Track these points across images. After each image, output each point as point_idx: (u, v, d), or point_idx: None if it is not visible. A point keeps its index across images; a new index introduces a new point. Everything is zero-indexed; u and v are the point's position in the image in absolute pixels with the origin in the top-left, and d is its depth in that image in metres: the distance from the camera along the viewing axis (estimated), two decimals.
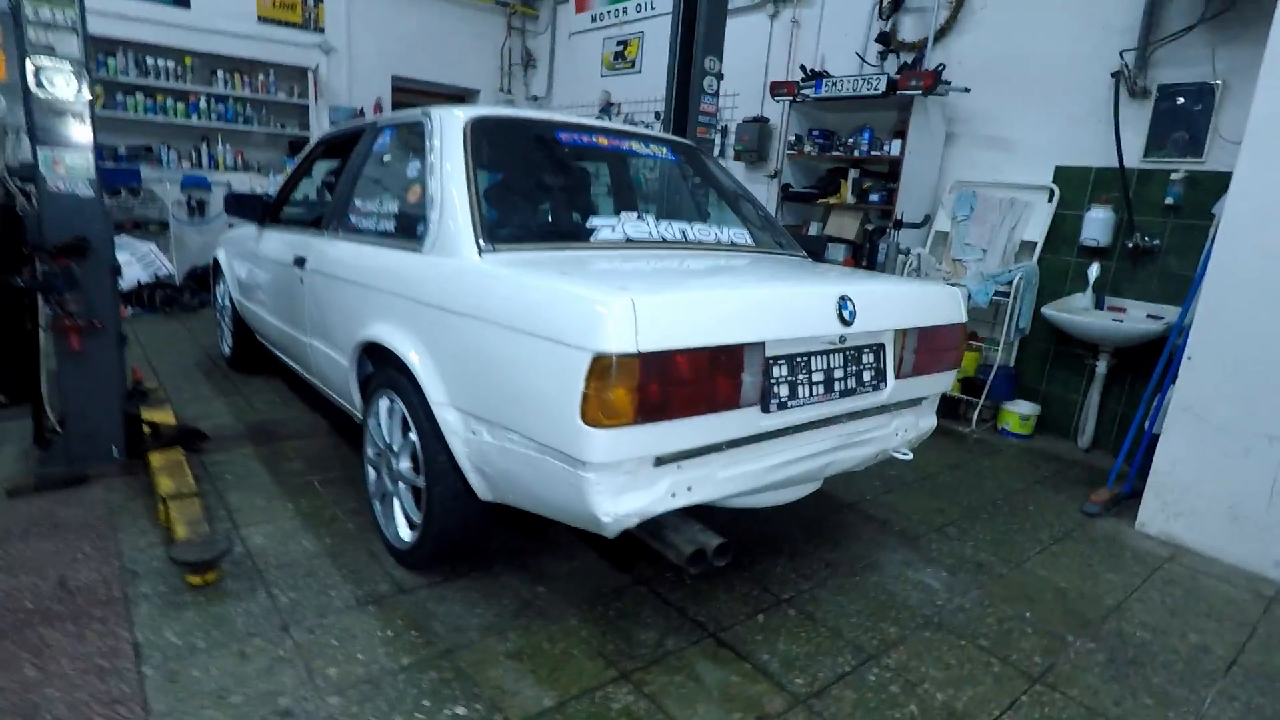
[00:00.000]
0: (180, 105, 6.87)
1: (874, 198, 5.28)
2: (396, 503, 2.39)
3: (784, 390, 1.94)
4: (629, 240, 2.33)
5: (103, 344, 2.89)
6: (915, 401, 2.45)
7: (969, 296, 4.42)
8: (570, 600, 2.30)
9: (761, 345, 1.83)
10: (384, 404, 2.38)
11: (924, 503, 3.32)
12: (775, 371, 1.91)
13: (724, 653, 2.10)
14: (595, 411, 1.57)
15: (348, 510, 2.79)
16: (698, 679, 1.98)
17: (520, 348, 1.75)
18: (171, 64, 6.74)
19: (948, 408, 4.69)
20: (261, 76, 7.21)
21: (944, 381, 2.53)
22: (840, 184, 5.62)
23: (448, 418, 2.02)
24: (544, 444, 1.72)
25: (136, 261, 6.12)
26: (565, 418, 1.62)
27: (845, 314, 2.02)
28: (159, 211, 6.99)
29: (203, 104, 6.97)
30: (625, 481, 1.69)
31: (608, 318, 1.56)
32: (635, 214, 2.45)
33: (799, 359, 1.98)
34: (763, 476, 1.97)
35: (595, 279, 1.70)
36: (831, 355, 2.08)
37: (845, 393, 2.12)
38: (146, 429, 2.96)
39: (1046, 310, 4.24)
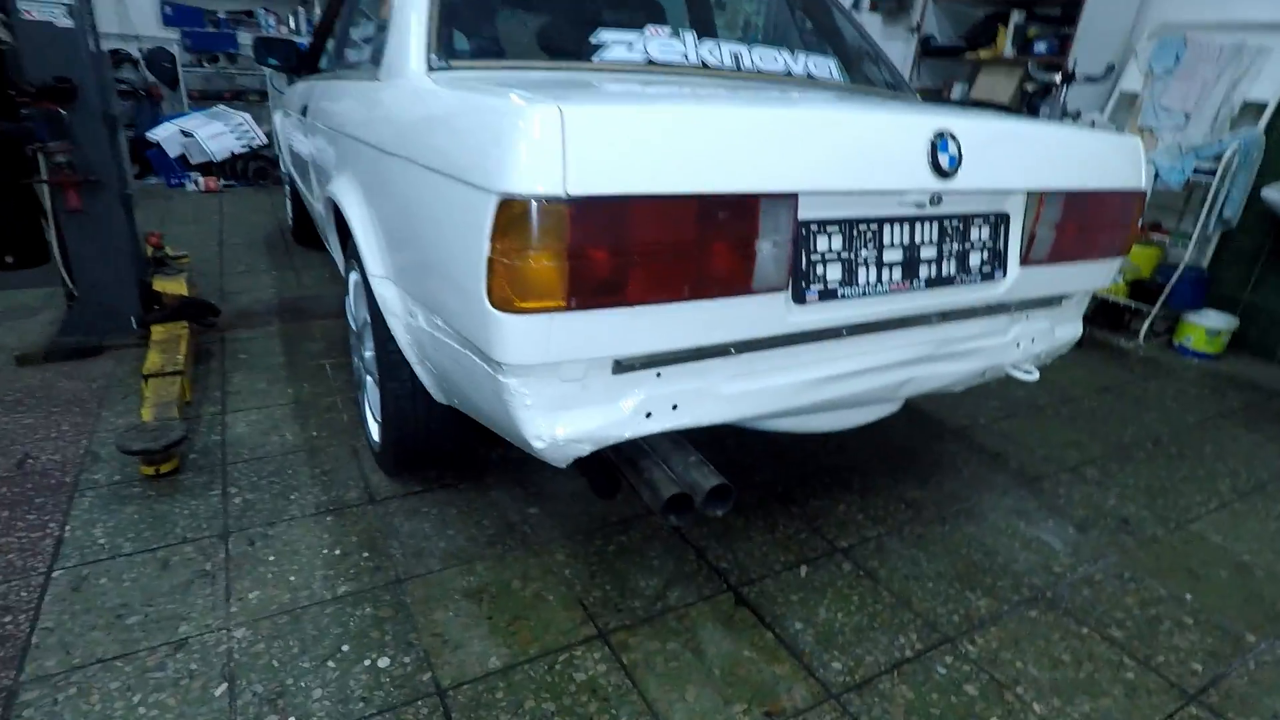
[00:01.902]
0: None
1: (1040, 48, 4.17)
2: (365, 398, 2.02)
3: (832, 272, 1.31)
4: (651, 63, 1.69)
5: (105, 203, 2.65)
6: (1051, 301, 1.72)
7: (1155, 175, 3.38)
8: (564, 528, 1.86)
9: (791, 199, 1.19)
10: (353, 277, 1.96)
11: (1057, 434, 2.58)
12: (816, 242, 1.28)
13: (742, 615, 1.61)
14: (504, 288, 1.04)
15: (348, 400, 2.47)
16: (697, 649, 1.51)
17: (432, 194, 1.23)
18: None
19: (1106, 315, 3.74)
20: None
21: (1100, 275, 1.77)
22: (997, 32, 4.48)
23: (386, 295, 1.56)
24: (462, 334, 1.22)
25: (229, 132, 6.04)
26: (472, 296, 1.10)
27: (943, 160, 1.32)
28: (259, 80, 6.88)
29: None
30: (566, 393, 1.17)
31: (518, 140, 0.99)
32: (670, 30, 1.79)
33: (860, 226, 1.32)
34: (797, 395, 1.39)
35: (526, 90, 1.11)
36: (917, 225, 1.40)
37: (936, 281, 1.45)
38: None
39: (1269, 192, 3.15)
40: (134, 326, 2.78)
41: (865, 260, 1.34)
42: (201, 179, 5.85)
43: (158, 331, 2.59)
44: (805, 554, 1.83)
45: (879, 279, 1.36)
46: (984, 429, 2.56)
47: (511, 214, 1.00)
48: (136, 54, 6.69)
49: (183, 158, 5.96)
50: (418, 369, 1.58)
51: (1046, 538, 1.96)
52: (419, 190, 1.28)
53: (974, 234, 1.49)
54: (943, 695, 1.44)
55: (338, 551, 1.73)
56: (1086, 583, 1.80)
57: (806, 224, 1.25)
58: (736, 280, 1.18)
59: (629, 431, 1.23)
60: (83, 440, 2.15)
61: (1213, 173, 3.29)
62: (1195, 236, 3.44)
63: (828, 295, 1.31)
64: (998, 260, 1.54)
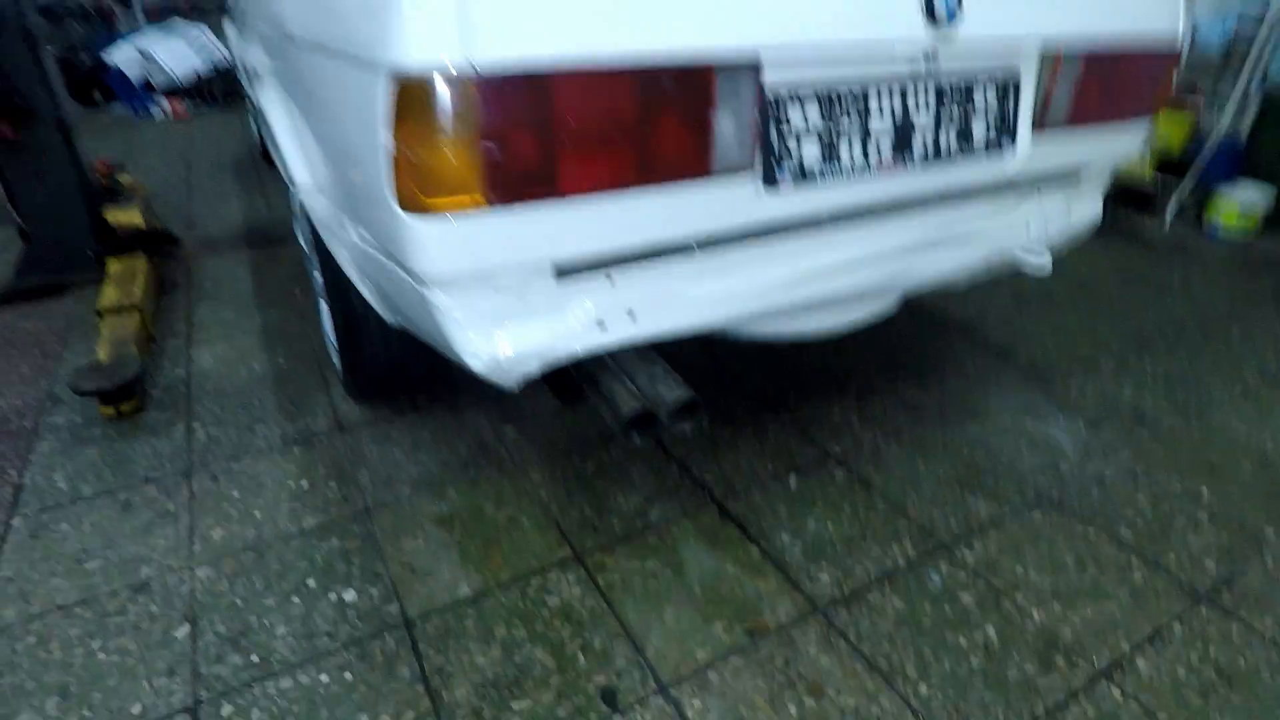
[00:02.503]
0: None
1: None
2: (324, 323, 1.90)
3: (808, 150, 1.14)
4: None
5: (41, 131, 2.47)
6: (1067, 175, 1.53)
7: (1193, 32, 3.06)
8: (541, 448, 1.77)
9: (753, 59, 1.01)
10: (292, 192, 1.80)
11: (1071, 326, 2.42)
12: (788, 113, 1.10)
13: (727, 530, 1.53)
14: (410, 186, 0.89)
15: (317, 326, 2.36)
16: (678, 567, 1.43)
17: (328, 79, 1.06)
18: None
19: (1129, 196, 3.50)
20: None
21: (1125, 143, 1.57)
22: None
23: (317, 208, 1.41)
24: (381, 244, 1.08)
25: (190, 49, 5.70)
26: (380, 199, 0.95)
27: (939, 5, 1.12)
28: None
29: None
30: (503, 305, 1.03)
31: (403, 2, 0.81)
32: None
33: (840, 93, 1.14)
34: (775, 296, 1.24)
35: None
36: (909, 89, 1.21)
37: (934, 158, 1.27)
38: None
39: None
40: (91, 262, 2.64)
41: (848, 135, 1.17)
42: (168, 104, 5.56)
43: (114, 265, 2.46)
44: (796, 463, 1.73)
45: (865, 158, 1.19)
46: (992, 323, 2.41)
47: (407, 94, 0.84)
48: None
49: (146, 82, 5.66)
50: (361, 288, 1.44)
51: (1055, 435, 1.85)
52: (318, 77, 1.11)
53: (978, 99, 1.30)
54: (936, 605, 1.36)
55: (304, 484, 1.66)
56: (1096, 482, 1.69)
57: (775, 91, 1.07)
58: (691, 162, 1.02)
59: (581, 345, 1.10)
60: (42, 383, 2.07)
61: (1258, 27, 2.97)
62: (1232, 101, 3.14)
63: (804, 178, 1.14)
64: (1006, 130, 1.35)
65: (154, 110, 5.61)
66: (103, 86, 5.77)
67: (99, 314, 2.16)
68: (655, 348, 1.27)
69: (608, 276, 1.09)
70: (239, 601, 1.36)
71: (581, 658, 1.25)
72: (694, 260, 1.14)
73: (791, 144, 1.11)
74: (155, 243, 2.60)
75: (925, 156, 1.27)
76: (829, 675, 1.22)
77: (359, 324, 1.59)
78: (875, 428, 1.86)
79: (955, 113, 1.28)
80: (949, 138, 1.29)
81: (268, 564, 1.44)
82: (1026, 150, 1.38)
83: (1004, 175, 1.40)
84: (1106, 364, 2.18)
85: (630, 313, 1.12)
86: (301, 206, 1.74)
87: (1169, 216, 3.30)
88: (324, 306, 1.84)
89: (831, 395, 1.99)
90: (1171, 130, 3.37)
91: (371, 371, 1.70)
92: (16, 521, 1.56)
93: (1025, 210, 1.52)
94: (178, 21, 5.83)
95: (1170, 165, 3.35)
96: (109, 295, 2.25)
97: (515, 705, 1.16)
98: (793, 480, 1.67)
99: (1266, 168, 3.29)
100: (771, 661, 1.24)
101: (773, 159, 1.10)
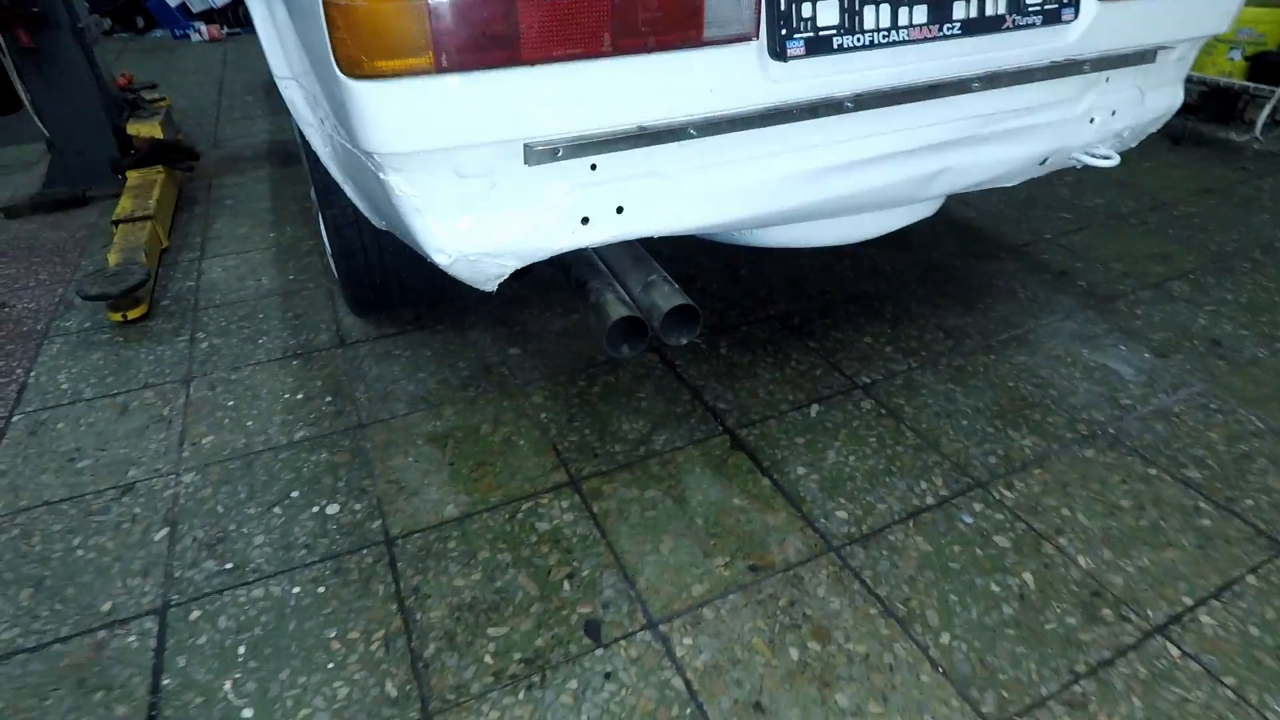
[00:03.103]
0: None
1: None
2: (323, 232, 1.81)
3: (824, 12, 0.95)
4: None
5: (58, 40, 2.41)
6: (1142, 56, 1.29)
7: None
8: (545, 369, 1.67)
9: None
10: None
11: (1140, 246, 2.17)
12: None
13: (737, 459, 1.41)
14: (348, 44, 0.76)
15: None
16: (679, 496, 1.33)
17: None
18: None
19: (1215, 102, 3.10)
20: None
21: (1212, 13, 1.32)
22: None
23: (294, 99, 1.29)
24: (339, 121, 0.96)
25: None
26: (326, 65, 0.83)
27: None
28: None
29: None
30: (470, 193, 0.91)
31: None
32: None
33: None
34: (788, 194, 1.08)
35: None
36: None
37: (978, 25, 1.07)
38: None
39: None
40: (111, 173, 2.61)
41: None
42: (205, 28, 5.50)
43: (133, 177, 2.42)
44: (819, 392, 1.59)
45: (893, 22, 1.00)
46: (1049, 244, 2.18)
47: None
48: None
49: (184, 6, 5.60)
50: (344, 186, 1.33)
51: (1115, 365, 1.65)
52: None
53: None
54: (965, 548, 1.23)
55: (300, 396, 1.60)
56: (1161, 416, 1.50)
57: None
58: (678, 25, 0.85)
59: (561, 242, 0.97)
60: (58, 289, 2.05)
61: None
62: None
63: (819, 48, 0.96)
64: None
65: (191, 34, 5.56)
66: (144, 13, 5.75)
67: (114, 224, 2.12)
68: (660, 258, 1.13)
69: (591, 166, 0.95)
70: (220, 509, 1.31)
71: (567, 586, 1.16)
72: (692, 148, 0.99)
73: (803, 5, 0.94)
74: (174, 156, 2.55)
75: (967, 24, 1.07)
76: (838, 618, 1.11)
77: (348, 230, 1.49)
78: (910, 357, 1.69)
79: None
80: (995, 2, 1.08)
81: (254, 473, 1.39)
82: (1092, 20, 1.16)
83: (1065, 54, 1.18)
84: (1179, 289, 1.94)
85: (619, 207, 0.98)
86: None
87: (1260, 126, 2.92)
88: (320, 216, 1.75)
89: (863, 321, 1.82)
90: (1269, 24, 2.93)
91: (366, 281, 1.61)
92: (17, 418, 1.55)
93: (1090, 101, 1.30)
94: None
95: (1265, 65, 2.94)
96: (124, 205, 2.21)
97: (491, 631, 1.09)
98: (814, 410, 1.54)
99: None
100: (774, 601, 1.14)
101: (780, 24, 0.93)
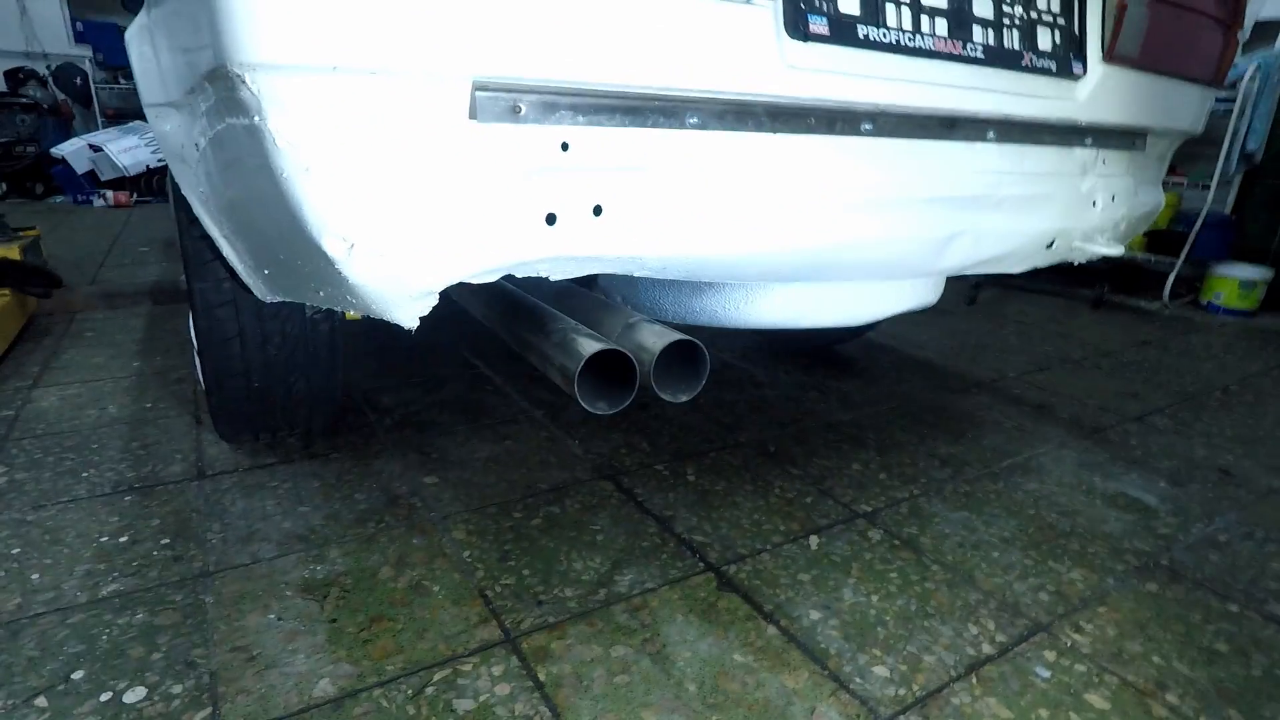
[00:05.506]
0: None
1: None
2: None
3: None
4: None
5: None
6: (1134, 138, 1.24)
7: None
8: (469, 499, 1.30)
9: None
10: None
11: (1105, 385, 2.09)
12: None
13: (729, 602, 1.06)
14: None
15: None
16: (660, 654, 0.95)
17: None
18: None
19: (1122, 275, 3.30)
20: None
21: (1189, 110, 1.30)
22: None
23: (165, 130, 1.02)
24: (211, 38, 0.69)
25: (143, 145, 5.52)
26: None
27: None
28: None
29: None
30: (383, 156, 0.64)
31: None
32: None
33: None
34: (796, 229, 0.87)
35: None
36: None
37: (996, 56, 0.96)
38: None
39: None
40: None
41: None
42: (111, 194, 5.29)
43: None
44: (814, 521, 1.29)
45: (917, 26, 0.86)
46: (1017, 381, 2.06)
47: None
48: (44, 72, 6.21)
49: (92, 174, 5.42)
50: (222, 240, 1.03)
51: (1135, 494, 1.45)
52: None
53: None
54: (1055, 712, 0.89)
55: (124, 539, 1.16)
56: (1210, 546, 1.27)
57: None
58: None
59: (513, 247, 0.70)
60: None
61: (1231, 102, 2.91)
62: (1215, 178, 3.03)
63: (842, 32, 0.81)
64: (1073, 45, 1.06)
65: (95, 200, 5.33)
66: (46, 180, 5.54)
67: None
68: None
69: (563, 145, 0.71)
70: None
71: None
72: (688, 143, 0.77)
73: None
74: (26, 278, 2.17)
75: (987, 51, 0.96)
76: None
77: (222, 311, 1.16)
78: (910, 484, 1.44)
79: (1018, 9, 0.99)
80: (1012, 35, 0.99)
81: (20, 647, 0.92)
82: (1098, 81, 1.09)
83: (1072, 111, 1.10)
84: (1162, 422, 1.82)
85: (595, 207, 0.73)
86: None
87: (1167, 293, 3.08)
88: (189, 294, 1.40)
89: (846, 448, 1.58)
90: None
91: (241, 385, 1.25)
92: None
93: (1092, 183, 1.21)
94: (138, 124, 5.68)
95: (1160, 240, 3.19)
96: None
97: None
98: (814, 541, 1.23)
99: (1257, 246, 3.15)
100: None
101: None
